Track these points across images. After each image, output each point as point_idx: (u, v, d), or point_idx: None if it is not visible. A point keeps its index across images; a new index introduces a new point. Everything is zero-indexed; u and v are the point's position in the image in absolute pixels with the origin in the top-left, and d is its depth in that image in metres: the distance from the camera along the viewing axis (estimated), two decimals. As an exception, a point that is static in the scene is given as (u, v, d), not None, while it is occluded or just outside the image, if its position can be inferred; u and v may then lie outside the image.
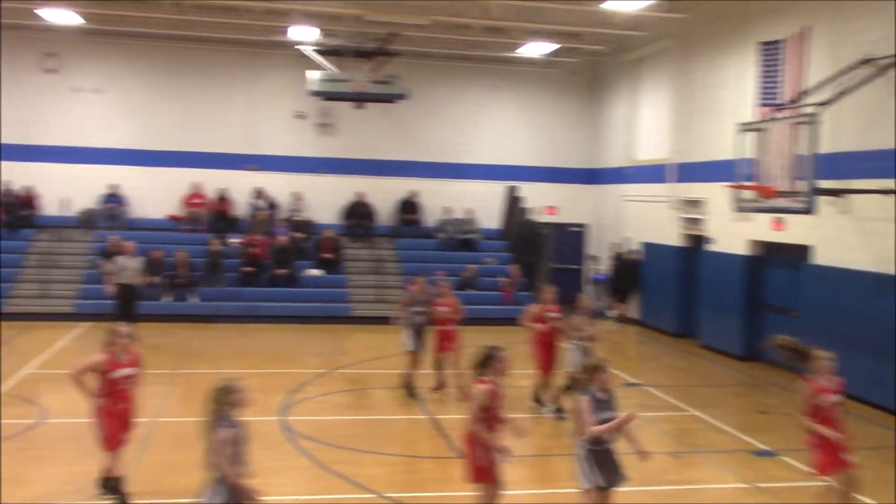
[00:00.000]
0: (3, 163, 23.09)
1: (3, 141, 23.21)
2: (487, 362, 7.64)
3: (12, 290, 20.87)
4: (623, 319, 23.35)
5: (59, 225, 22.66)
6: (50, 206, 23.42)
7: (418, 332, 13.95)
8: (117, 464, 8.75)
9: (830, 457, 8.11)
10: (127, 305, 18.23)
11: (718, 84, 19.27)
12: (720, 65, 19.22)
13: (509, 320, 21.29)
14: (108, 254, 20.20)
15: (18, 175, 23.20)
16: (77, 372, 8.56)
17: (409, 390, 13.86)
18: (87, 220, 23.39)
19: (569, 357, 12.63)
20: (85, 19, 21.50)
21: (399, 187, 25.31)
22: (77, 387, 8.54)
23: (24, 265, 21.71)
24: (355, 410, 13.63)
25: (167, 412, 12.58)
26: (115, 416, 8.65)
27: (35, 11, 20.68)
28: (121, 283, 18.21)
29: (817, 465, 8.26)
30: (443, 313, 13.84)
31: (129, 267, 18.33)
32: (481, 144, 26.07)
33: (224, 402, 6.64)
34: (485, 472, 7.63)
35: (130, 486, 9.16)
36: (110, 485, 8.74)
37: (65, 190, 23.35)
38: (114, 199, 23.70)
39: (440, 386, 14.04)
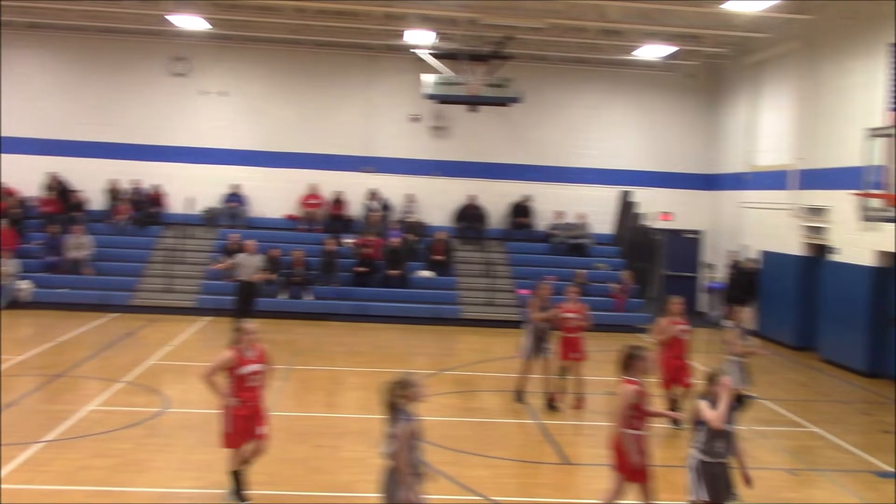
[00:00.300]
0: (133, 162, 24.29)
1: (133, 141, 24.44)
2: (631, 362, 7.82)
3: (139, 284, 21.85)
4: (739, 330, 22.61)
5: (184, 223, 23.58)
6: (175, 204, 24.42)
7: (540, 339, 13.36)
8: (238, 460, 8.75)
9: None
10: (246, 302, 18.80)
11: (846, 87, 18.49)
12: (848, 67, 18.44)
13: (620, 327, 21.15)
14: (229, 251, 20.91)
15: (147, 174, 24.35)
16: (208, 372, 8.60)
17: (518, 396, 13.59)
18: (209, 219, 24.30)
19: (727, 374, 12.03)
20: (212, 25, 22.37)
21: (511, 190, 25.29)
22: (209, 387, 8.59)
23: (150, 261, 22.70)
24: (462, 412, 13.67)
25: (281, 407, 12.90)
26: (243, 414, 8.64)
27: (165, 17, 21.65)
28: (241, 280, 18.78)
29: None
30: (570, 320, 13.33)
31: (249, 264, 18.87)
32: (595, 148, 25.77)
33: (400, 396, 6.88)
34: (638, 472, 7.77)
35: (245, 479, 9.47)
36: (236, 481, 8.77)
37: (189, 189, 24.30)
38: (235, 198, 24.53)
39: (557, 395, 13.43)
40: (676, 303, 12.84)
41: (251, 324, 8.88)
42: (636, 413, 7.74)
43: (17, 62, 24.00)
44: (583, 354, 13.38)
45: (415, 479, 6.76)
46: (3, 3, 20.97)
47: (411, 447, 6.77)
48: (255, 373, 8.72)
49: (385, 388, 6.91)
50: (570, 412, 13.12)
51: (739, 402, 11.87)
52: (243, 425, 8.65)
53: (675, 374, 12.44)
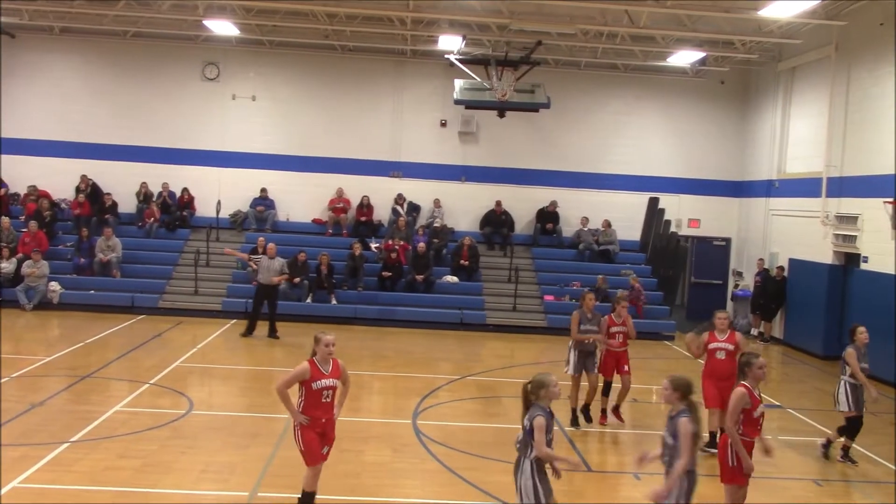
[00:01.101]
0: (163, 166, 24.56)
1: (164, 145, 24.68)
2: (745, 369, 8.00)
3: (167, 286, 22.04)
4: (767, 338, 22.45)
5: (212, 226, 23.75)
6: (204, 207, 24.61)
7: (586, 355, 12.52)
8: (314, 479, 8.30)
9: None
10: (263, 305, 18.87)
11: (879, 95, 18.26)
12: (882, 74, 18.21)
13: (646, 334, 21.08)
14: (254, 253, 21.03)
15: (177, 178, 24.59)
16: (282, 385, 8.07)
17: (574, 417, 12.61)
18: (237, 222, 24.46)
19: (840, 396, 11.53)
20: (242, 30, 22.58)
21: (538, 196, 25.23)
22: (282, 400, 8.08)
23: (178, 263, 22.88)
24: (486, 418, 13.63)
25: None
26: (317, 431, 8.12)
27: (197, 23, 21.91)
28: (261, 283, 18.88)
29: None
30: (616, 334, 12.53)
31: (270, 268, 18.95)
32: (623, 154, 25.66)
33: (539, 394, 7.25)
34: (737, 474, 7.86)
35: (266, 480, 9.51)
36: (304, 500, 8.36)
37: (218, 192, 24.46)
38: (263, 202, 24.68)
39: (602, 416, 12.81)
40: (721, 317, 11.53)
41: (330, 335, 8.38)
42: (746, 417, 7.92)
43: (50, 66, 24.40)
44: (628, 369, 12.61)
45: (554, 465, 7.50)
46: (39, 8, 21.33)
47: (549, 440, 7.31)
48: (329, 388, 8.20)
49: (527, 386, 7.35)
50: (598, 424, 12.99)
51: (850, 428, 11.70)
52: (318, 443, 8.15)
53: (716, 396, 11.04)
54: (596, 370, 12.57)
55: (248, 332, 18.86)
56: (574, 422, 12.54)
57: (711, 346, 11.26)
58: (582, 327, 12.39)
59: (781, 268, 22.27)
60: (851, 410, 11.28)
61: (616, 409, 12.83)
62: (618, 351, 12.61)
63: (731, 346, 11.16)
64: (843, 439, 11.57)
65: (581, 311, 12.49)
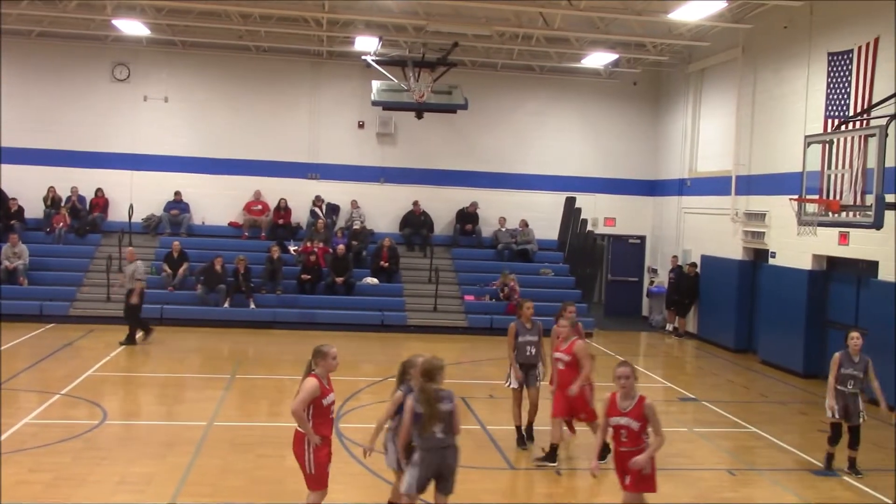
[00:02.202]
0: (73, 169, 23.84)
1: (73, 148, 23.99)
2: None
3: (78, 293, 21.39)
4: (681, 333, 23.02)
5: (125, 231, 23.13)
6: (116, 212, 23.98)
7: (527, 368, 11.53)
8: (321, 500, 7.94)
9: None
10: (130, 312, 18.31)
11: (784, 95, 18.92)
12: (786, 76, 18.87)
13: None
14: (169, 259, 20.60)
15: (87, 181, 23.89)
16: (300, 407, 7.54)
17: (520, 435, 11.71)
18: (151, 227, 23.90)
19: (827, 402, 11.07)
20: (154, 30, 22.08)
21: (457, 197, 25.35)
22: (300, 423, 7.59)
23: (89, 270, 22.23)
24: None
25: (223, 416, 12.75)
26: (326, 450, 7.74)
27: (106, 22, 21.33)
28: (129, 290, 18.31)
29: None
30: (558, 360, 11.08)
31: (127, 273, 18.45)
32: (541, 155, 25.98)
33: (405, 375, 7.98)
34: None
35: (185, 489, 9.32)
36: None
37: (131, 196, 23.84)
38: (177, 205, 24.17)
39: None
40: (569, 310, 11.19)
41: (335, 347, 7.95)
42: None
43: (-51, 66, 23.40)
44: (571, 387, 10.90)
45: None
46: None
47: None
48: (333, 402, 7.84)
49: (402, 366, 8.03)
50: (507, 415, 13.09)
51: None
52: (327, 464, 7.77)
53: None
54: (538, 384, 11.54)
55: (129, 340, 18.21)
56: (520, 441, 11.63)
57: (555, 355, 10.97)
58: (520, 339, 11.46)
59: (694, 264, 22.87)
60: (835, 417, 10.93)
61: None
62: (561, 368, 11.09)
63: (567, 357, 10.78)
64: (849, 452, 11.05)
65: (519, 322, 11.53)
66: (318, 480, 7.75)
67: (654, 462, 7.71)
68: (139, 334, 18.34)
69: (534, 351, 11.50)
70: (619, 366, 7.76)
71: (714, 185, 22.18)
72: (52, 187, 23.52)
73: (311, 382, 7.61)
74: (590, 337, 21.81)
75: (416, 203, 24.84)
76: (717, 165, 22.28)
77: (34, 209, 23.39)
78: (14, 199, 23.02)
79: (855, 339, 10.90)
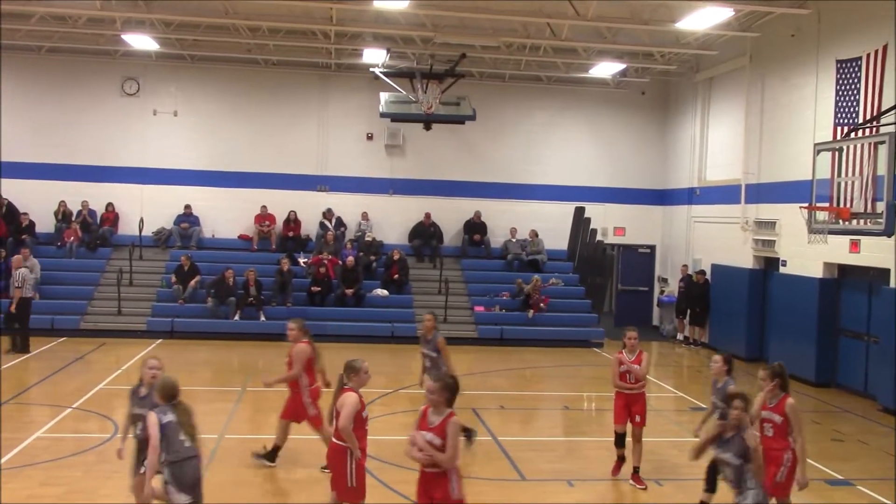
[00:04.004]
0: (84, 184, 23.96)
1: (84, 162, 24.10)
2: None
3: (89, 307, 21.46)
4: (691, 342, 22.93)
5: (135, 244, 23.22)
6: (126, 226, 24.08)
7: (426, 369, 11.82)
8: None
9: None
10: (22, 320, 18.22)
11: (793, 103, 18.88)
12: (795, 84, 18.84)
13: (576, 342, 21.42)
14: (177, 273, 20.64)
15: (98, 196, 24.01)
16: (349, 421, 7.56)
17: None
18: (161, 240, 23.99)
19: None
20: (163, 45, 22.21)
21: (466, 208, 25.36)
22: (349, 440, 7.61)
23: (100, 283, 22.31)
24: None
25: (234, 429, 12.76)
26: (363, 464, 7.80)
27: (116, 38, 21.48)
28: (23, 297, 18.23)
29: None
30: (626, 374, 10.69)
31: (27, 278, 18.37)
32: (549, 165, 25.97)
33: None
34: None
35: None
36: None
37: (141, 210, 23.96)
38: (187, 218, 24.25)
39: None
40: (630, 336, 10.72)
41: (366, 361, 8.02)
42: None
43: (-39, 83, 23.57)
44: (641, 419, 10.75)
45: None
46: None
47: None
48: (367, 415, 7.97)
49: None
50: (524, 427, 13.08)
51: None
52: (362, 472, 7.81)
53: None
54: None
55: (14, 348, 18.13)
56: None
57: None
58: (422, 350, 12.28)
59: (702, 272, 22.83)
60: None
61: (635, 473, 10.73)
62: (629, 393, 10.65)
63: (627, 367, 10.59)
64: None
65: (421, 335, 12.45)
66: (358, 493, 7.81)
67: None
68: (6, 348, 18.17)
69: (429, 364, 11.92)
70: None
71: (723, 194, 22.13)
72: (63, 202, 23.64)
73: (353, 397, 7.69)
74: (599, 347, 21.80)
75: (426, 214, 24.85)
76: (727, 174, 22.23)
77: (45, 223, 23.50)
78: (25, 213, 23.13)
79: (715, 362, 9.70)
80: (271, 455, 10.79)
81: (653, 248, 26.52)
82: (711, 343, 22.34)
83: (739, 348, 20.81)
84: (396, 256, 23.29)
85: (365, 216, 24.84)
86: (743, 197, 20.84)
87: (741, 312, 20.81)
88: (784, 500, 8.27)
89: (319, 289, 22.23)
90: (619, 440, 10.79)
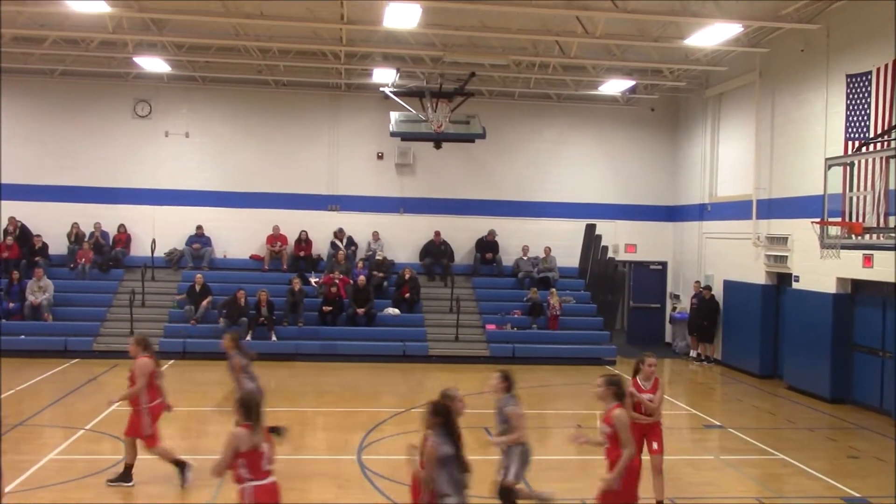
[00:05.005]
0: (96, 205, 24.10)
1: (96, 184, 24.26)
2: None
3: (102, 328, 21.53)
4: (703, 359, 22.81)
5: (147, 265, 23.31)
6: (138, 247, 24.19)
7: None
8: None
9: None
10: None
11: (804, 118, 18.85)
12: (805, 99, 18.81)
13: (588, 360, 21.33)
14: (191, 293, 20.68)
15: (110, 217, 24.14)
16: (431, 470, 7.44)
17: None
18: (173, 261, 24.07)
19: None
20: (174, 67, 22.38)
21: (477, 226, 25.36)
22: (427, 483, 7.55)
23: (113, 305, 22.38)
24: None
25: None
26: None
27: (127, 60, 21.66)
28: None
29: None
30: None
31: None
32: (560, 182, 25.98)
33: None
34: None
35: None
36: None
37: (153, 231, 24.07)
38: (199, 239, 24.34)
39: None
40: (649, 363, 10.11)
41: (459, 390, 8.03)
42: None
43: (-25, 107, 23.79)
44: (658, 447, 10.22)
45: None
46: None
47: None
48: None
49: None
50: (536, 446, 12.97)
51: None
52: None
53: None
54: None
55: None
56: None
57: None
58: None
59: (709, 288, 22.77)
60: None
61: None
62: (644, 423, 10.01)
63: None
64: None
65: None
66: None
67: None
68: None
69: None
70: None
71: (735, 210, 22.07)
72: (75, 223, 23.78)
73: (433, 442, 7.41)
74: (612, 365, 21.69)
75: (436, 233, 24.87)
76: (738, 190, 22.19)
77: (58, 245, 23.64)
78: (38, 235, 23.28)
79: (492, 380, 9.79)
80: (125, 475, 10.70)
81: (664, 264, 26.43)
82: (724, 360, 22.23)
83: (753, 365, 20.70)
84: (408, 275, 23.30)
85: (376, 235, 24.88)
86: (754, 212, 20.78)
87: (754, 329, 20.70)
88: None
89: (331, 308, 22.24)
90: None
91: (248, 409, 7.22)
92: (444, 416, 7.33)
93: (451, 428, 7.28)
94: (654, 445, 9.99)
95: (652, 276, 26.39)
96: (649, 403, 9.92)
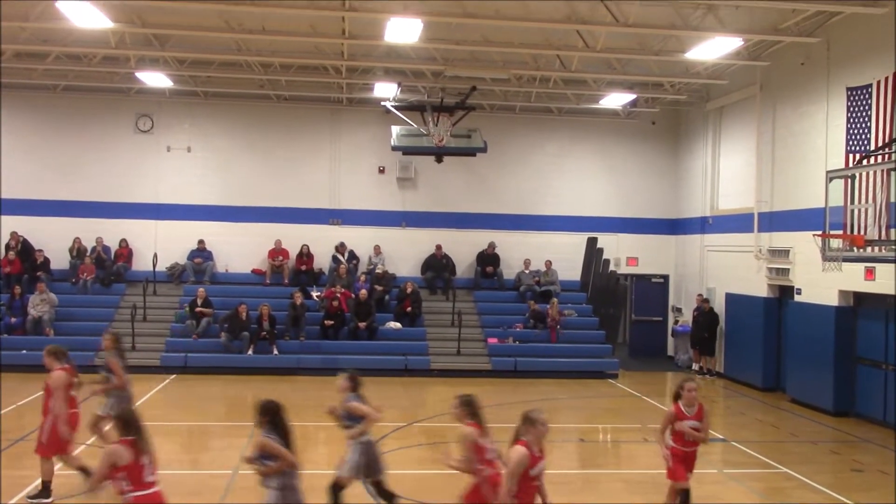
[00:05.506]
0: (98, 220, 24.12)
1: (98, 199, 24.28)
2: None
3: (103, 343, 21.45)
4: (705, 372, 22.75)
5: (149, 280, 23.31)
6: (140, 261, 24.20)
7: None
8: None
9: None
10: None
11: (805, 131, 18.87)
12: (806, 111, 18.84)
13: (590, 373, 21.26)
14: (192, 307, 20.63)
15: (112, 232, 24.15)
16: (513, 484, 7.16)
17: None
18: (175, 275, 24.08)
19: None
20: (176, 82, 22.46)
21: (478, 240, 25.36)
22: (504, 495, 7.31)
23: (115, 319, 22.36)
24: (435, 464, 13.45)
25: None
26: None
27: (129, 75, 21.74)
28: None
29: None
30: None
31: None
32: (561, 196, 25.99)
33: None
34: None
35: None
36: None
37: (155, 245, 24.09)
38: (201, 253, 24.35)
39: None
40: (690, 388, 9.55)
41: (544, 413, 7.45)
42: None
43: (-22, 122, 23.86)
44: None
45: None
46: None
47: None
48: (542, 471, 7.40)
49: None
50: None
51: None
52: None
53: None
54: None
55: None
56: None
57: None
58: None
59: (707, 300, 22.76)
60: None
61: None
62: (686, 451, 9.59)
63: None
64: None
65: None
66: None
67: None
68: None
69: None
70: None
71: (736, 223, 22.07)
72: (77, 238, 23.80)
73: (520, 452, 7.10)
74: (614, 378, 21.64)
75: (438, 246, 24.87)
76: (739, 203, 22.20)
77: (60, 260, 23.65)
78: (40, 250, 23.29)
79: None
80: (44, 492, 10.63)
81: (666, 277, 26.42)
82: (727, 373, 22.17)
83: (756, 378, 20.65)
84: (409, 289, 23.29)
85: (377, 249, 24.88)
86: (756, 225, 20.78)
87: (757, 341, 20.66)
88: None
89: (332, 322, 22.22)
90: (686, 497, 9.59)
91: (128, 424, 7.32)
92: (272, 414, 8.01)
93: (281, 426, 7.99)
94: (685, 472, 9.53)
95: (654, 290, 26.37)
96: (693, 432, 9.34)
